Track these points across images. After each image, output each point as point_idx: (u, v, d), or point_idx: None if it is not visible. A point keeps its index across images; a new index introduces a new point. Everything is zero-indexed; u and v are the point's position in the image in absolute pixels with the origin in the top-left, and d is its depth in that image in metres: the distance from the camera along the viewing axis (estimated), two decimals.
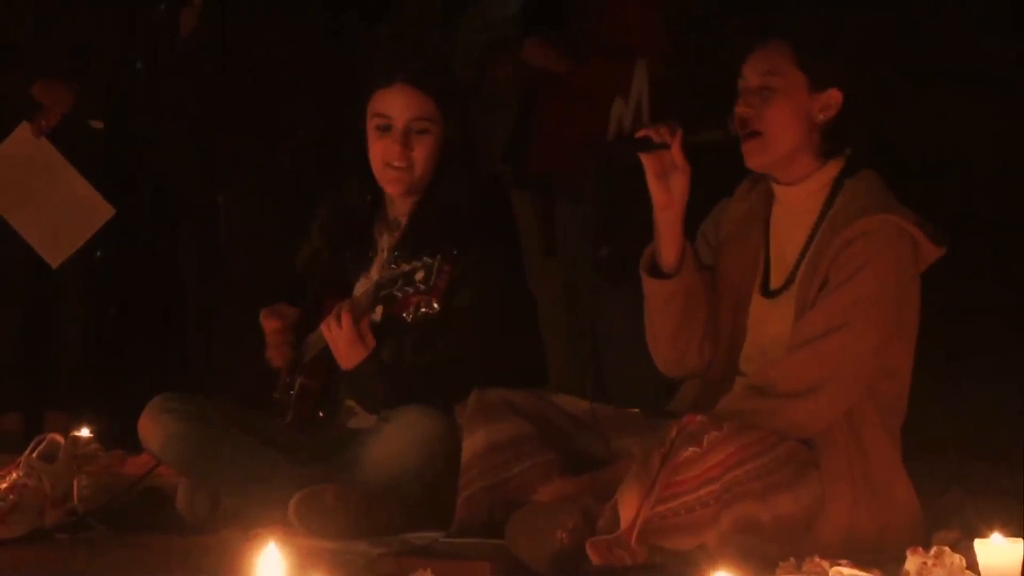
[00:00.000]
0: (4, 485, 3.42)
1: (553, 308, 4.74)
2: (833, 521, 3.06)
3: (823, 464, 3.07)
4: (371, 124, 3.68)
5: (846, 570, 2.71)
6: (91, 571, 3.12)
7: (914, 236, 3.14)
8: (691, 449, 2.93)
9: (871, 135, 3.26)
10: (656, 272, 3.27)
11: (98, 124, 5.00)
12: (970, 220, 4.69)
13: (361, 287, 3.70)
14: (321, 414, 3.71)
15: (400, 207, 3.74)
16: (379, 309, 3.54)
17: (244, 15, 4.87)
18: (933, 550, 2.72)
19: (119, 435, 4.09)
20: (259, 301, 3.85)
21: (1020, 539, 2.70)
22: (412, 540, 3.30)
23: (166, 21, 4.94)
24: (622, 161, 3.47)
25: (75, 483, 3.48)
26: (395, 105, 3.65)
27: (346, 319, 3.49)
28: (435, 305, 3.40)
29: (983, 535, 2.74)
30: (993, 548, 2.69)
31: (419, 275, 3.39)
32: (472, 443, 3.26)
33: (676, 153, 3.18)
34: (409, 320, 3.45)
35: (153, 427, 3.63)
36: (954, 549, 2.74)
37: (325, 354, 3.59)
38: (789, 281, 3.23)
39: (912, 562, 2.71)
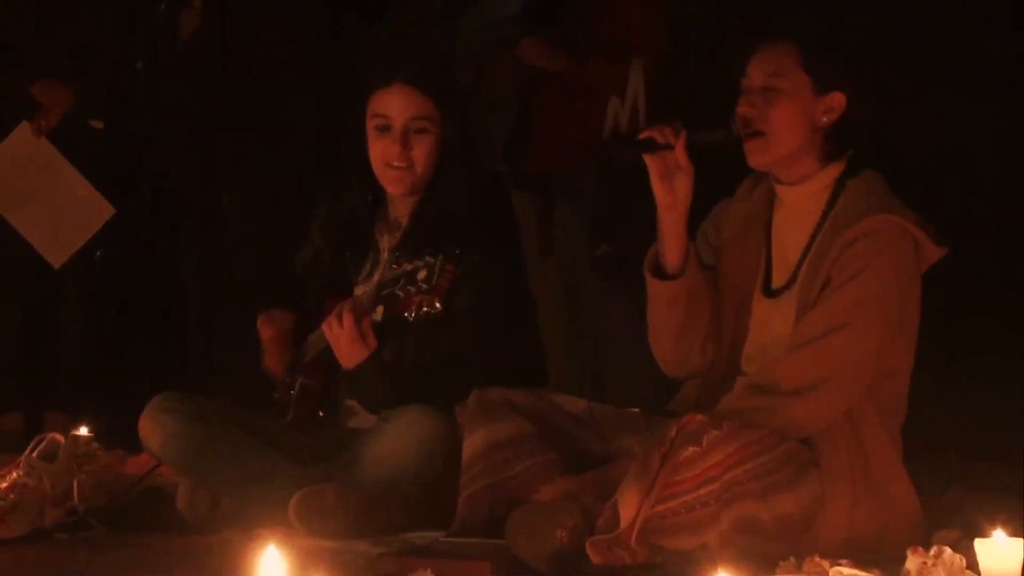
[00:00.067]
0: (4, 484, 3.42)
1: (552, 308, 4.74)
2: (833, 521, 3.05)
3: (823, 463, 3.07)
4: (370, 124, 3.68)
5: (846, 570, 2.71)
6: (91, 571, 3.11)
7: (916, 236, 3.14)
8: (691, 448, 2.94)
9: (873, 137, 3.26)
10: (660, 273, 3.27)
11: (98, 124, 5.00)
12: (970, 220, 4.69)
13: (362, 287, 3.70)
14: (321, 414, 3.71)
15: (401, 207, 3.74)
16: (380, 309, 3.54)
17: (244, 16, 4.87)
18: (933, 549, 2.72)
19: (119, 435, 4.09)
20: (260, 301, 3.85)
21: (1021, 538, 2.71)
22: (412, 540, 3.30)
23: (166, 21, 4.94)
24: (621, 160, 3.47)
25: (75, 483, 3.47)
26: (394, 105, 3.65)
27: (347, 318, 3.49)
28: (437, 305, 3.40)
29: (984, 534, 2.74)
30: (993, 548, 2.69)
31: (421, 274, 3.39)
32: (473, 442, 3.26)
33: (680, 154, 3.18)
34: (411, 319, 3.44)
35: (153, 427, 3.62)
36: (954, 549, 2.74)
37: (326, 354, 3.59)
38: (791, 281, 3.23)
39: (912, 562, 2.71)
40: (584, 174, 4.65)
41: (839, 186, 3.23)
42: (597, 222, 4.71)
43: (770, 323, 3.24)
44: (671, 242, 3.24)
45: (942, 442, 3.99)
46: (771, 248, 3.29)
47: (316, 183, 4.29)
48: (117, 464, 4.27)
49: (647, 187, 3.23)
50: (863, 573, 2.72)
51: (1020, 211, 4.75)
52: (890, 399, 3.20)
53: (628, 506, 2.92)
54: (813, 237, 3.22)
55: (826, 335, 3.09)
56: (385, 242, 3.75)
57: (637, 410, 3.35)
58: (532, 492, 3.18)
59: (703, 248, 3.35)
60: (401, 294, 3.41)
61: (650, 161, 3.21)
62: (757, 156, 3.22)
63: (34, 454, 3.47)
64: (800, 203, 3.26)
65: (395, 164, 3.65)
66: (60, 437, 3.52)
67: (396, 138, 3.64)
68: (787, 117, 3.19)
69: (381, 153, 3.66)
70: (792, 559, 2.85)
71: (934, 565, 2.68)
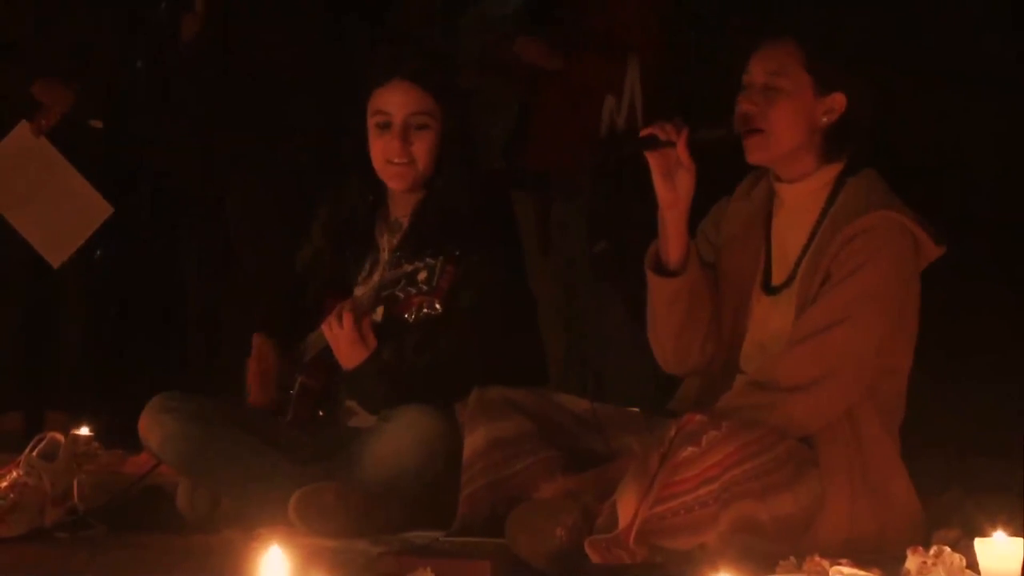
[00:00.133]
0: (4, 484, 3.42)
1: (552, 308, 4.75)
2: (832, 520, 3.05)
3: (822, 462, 3.07)
4: (371, 122, 3.68)
5: (846, 569, 2.71)
6: (91, 570, 3.11)
7: (915, 233, 3.15)
8: (689, 449, 2.93)
9: (873, 137, 3.26)
10: (661, 270, 3.27)
11: (98, 124, 5.00)
12: (970, 220, 4.69)
13: (362, 287, 3.70)
14: (321, 413, 3.71)
15: (402, 207, 3.74)
16: (380, 309, 3.54)
17: (246, 19, 4.87)
18: (933, 549, 2.72)
19: (119, 434, 4.09)
20: (261, 301, 3.86)
21: (1021, 538, 2.70)
22: (412, 539, 3.30)
23: (167, 21, 4.94)
24: (619, 157, 3.47)
25: (75, 482, 3.47)
26: (394, 101, 3.65)
27: (347, 319, 3.49)
28: (437, 306, 3.40)
29: (984, 534, 2.74)
30: (993, 547, 2.69)
31: (422, 275, 3.39)
32: (473, 441, 3.25)
33: (682, 151, 3.18)
34: (411, 321, 3.44)
35: (153, 426, 3.62)
36: (954, 548, 2.74)
37: (326, 353, 3.59)
38: (790, 278, 3.23)
39: (912, 561, 2.71)
40: (583, 172, 4.65)
41: (839, 184, 3.23)
42: (595, 219, 4.72)
43: (769, 321, 3.24)
44: (672, 239, 3.24)
45: (942, 441, 3.99)
46: (771, 246, 3.29)
47: (316, 183, 4.29)
48: (117, 463, 4.27)
49: (646, 185, 3.23)
50: (863, 573, 2.71)
51: (1020, 211, 4.75)
52: (889, 398, 3.20)
53: (626, 507, 2.92)
54: (812, 234, 3.22)
55: (826, 330, 3.09)
56: (385, 242, 3.75)
57: (637, 410, 3.35)
58: (533, 490, 3.18)
59: (703, 246, 3.35)
60: (401, 295, 3.41)
61: (652, 158, 3.21)
62: (756, 153, 3.22)
63: (34, 453, 3.47)
64: (800, 201, 3.26)
65: (395, 160, 3.65)
66: (60, 436, 3.51)
67: (396, 134, 3.64)
68: (787, 116, 3.19)
69: (382, 150, 3.66)
70: (792, 558, 2.85)
71: (934, 565, 2.68)
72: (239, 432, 3.61)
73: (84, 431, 3.57)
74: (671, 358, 3.33)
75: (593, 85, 4.67)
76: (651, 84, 4.65)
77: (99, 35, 4.97)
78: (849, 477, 3.08)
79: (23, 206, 4.91)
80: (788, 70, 3.20)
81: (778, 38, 3.23)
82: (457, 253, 3.43)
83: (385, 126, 3.65)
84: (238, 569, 2.86)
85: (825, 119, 3.21)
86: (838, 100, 3.21)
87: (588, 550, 2.91)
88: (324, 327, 3.55)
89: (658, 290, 3.27)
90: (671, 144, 3.18)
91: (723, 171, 3.33)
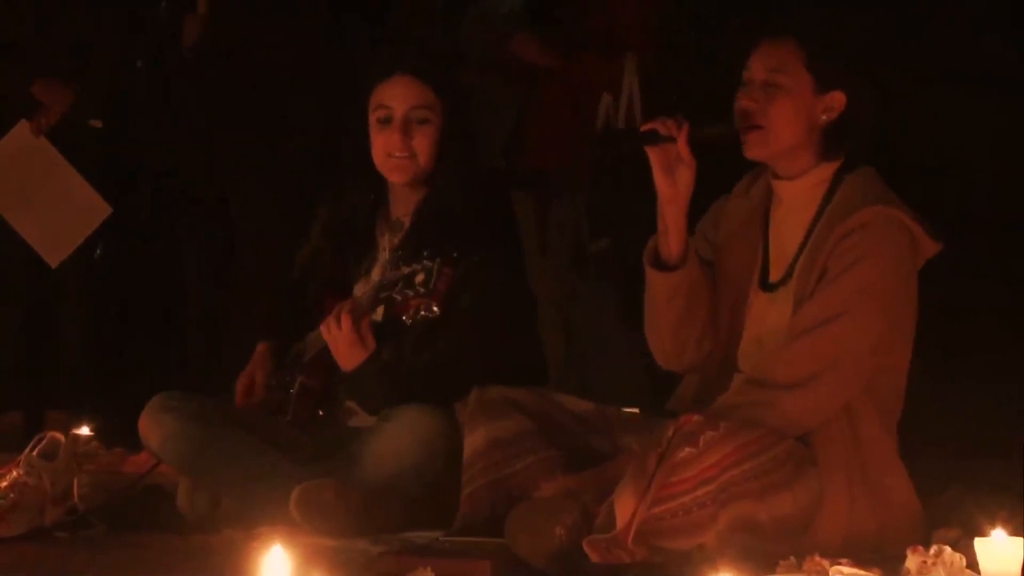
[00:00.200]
0: (4, 483, 3.42)
1: (551, 308, 4.75)
2: (832, 519, 3.05)
3: (821, 462, 3.06)
4: (372, 118, 3.68)
5: (846, 569, 2.71)
6: (91, 570, 3.11)
7: (912, 229, 3.15)
8: (687, 449, 2.92)
9: (872, 136, 3.26)
10: (660, 264, 3.27)
11: (98, 124, 5.00)
12: (969, 218, 4.70)
13: (361, 288, 3.70)
14: (321, 413, 3.71)
15: (403, 206, 3.74)
16: (380, 310, 3.54)
17: (248, 20, 4.87)
18: (933, 548, 2.72)
19: (119, 434, 4.09)
20: (261, 301, 3.86)
21: (1020, 537, 2.71)
22: (412, 539, 3.30)
23: (167, 21, 4.94)
24: (617, 154, 3.46)
25: (75, 481, 3.48)
26: (395, 95, 3.65)
27: (346, 320, 3.49)
28: (435, 308, 3.40)
29: (984, 533, 2.74)
30: (993, 547, 2.69)
31: (419, 278, 3.38)
32: (473, 440, 3.25)
33: (682, 146, 3.18)
34: (409, 323, 3.44)
35: (153, 426, 3.62)
36: (954, 547, 2.74)
37: (325, 353, 3.59)
38: (788, 275, 3.23)
39: (912, 561, 2.71)
40: (581, 169, 4.65)
41: (836, 181, 3.23)
42: (594, 217, 4.72)
43: (767, 318, 3.24)
44: (672, 233, 3.24)
45: (942, 440, 3.99)
46: (768, 243, 3.29)
47: (317, 183, 4.29)
48: (117, 463, 4.28)
49: (645, 183, 3.24)
50: (863, 572, 2.71)
51: (1019, 210, 4.75)
52: (888, 396, 3.20)
53: (624, 507, 2.91)
54: (810, 231, 3.22)
55: (823, 324, 3.08)
56: (386, 242, 3.75)
57: (636, 410, 3.35)
58: (533, 489, 3.18)
59: (701, 245, 3.35)
60: (399, 298, 3.41)
61: (652, 153, 3.21)
62: (754, 149, 3.22)
63: (34, 453, 3.47)
64: (797, 198, 3.26)
65: (396, 154, 3.65)
66: (60, 436, 3.52)
67: (397, 127, 3.64)
68: (786, 114, 3.19)
69: (383, 145, 3.67)
70: (792, 558, 2.85)
71: (934, 564, 2.68)
72: (239, 432, 3.61)
73: (84, 431, 3.58)
74: (667, 353, 3.33)
75: (593, 84, 4.67)
76: (650, 84, 4.65)
77: (99, 35, 4.97)
78: (848, 476, 3.08)
79: (22, 205, 4.91)
80: (788, 67, 3.20)
81: (779, 36, 3.23)
82: (455, 255, 3.43)
83: (386, 120, 3.66)
84: (238, 569, 2.87)
85: (824, 117, 3.21)
86: (838, 99, 3.21)
87: (587, 550, 2.90)
88: (323, 328, 3.54)
89: (657, 285, 3.27)
90: (672, 139, 3.18)
91: (722, 170, 3.33)
